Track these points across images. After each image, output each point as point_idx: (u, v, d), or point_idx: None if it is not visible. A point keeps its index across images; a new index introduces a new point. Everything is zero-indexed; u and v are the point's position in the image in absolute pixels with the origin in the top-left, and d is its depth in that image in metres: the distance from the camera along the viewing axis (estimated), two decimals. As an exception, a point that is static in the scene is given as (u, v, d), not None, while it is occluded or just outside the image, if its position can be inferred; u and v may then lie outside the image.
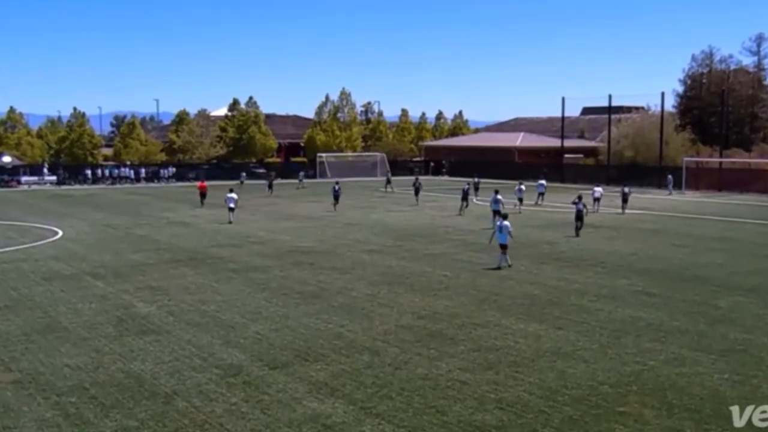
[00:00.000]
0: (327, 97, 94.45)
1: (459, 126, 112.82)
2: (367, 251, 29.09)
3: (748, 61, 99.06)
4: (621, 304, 19.88)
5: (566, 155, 79.26)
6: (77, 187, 70.15)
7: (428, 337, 16.58)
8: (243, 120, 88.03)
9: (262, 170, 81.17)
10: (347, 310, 19.18)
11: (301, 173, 72.00)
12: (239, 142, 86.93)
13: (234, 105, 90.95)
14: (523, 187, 47.82)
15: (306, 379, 13.71)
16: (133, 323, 17.85)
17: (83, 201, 53.78)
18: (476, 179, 58.77)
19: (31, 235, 34.06)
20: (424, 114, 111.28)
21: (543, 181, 50.90)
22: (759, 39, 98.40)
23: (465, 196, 45.04)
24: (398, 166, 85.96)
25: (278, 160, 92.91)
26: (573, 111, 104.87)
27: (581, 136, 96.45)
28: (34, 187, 68.40)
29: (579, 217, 33.98)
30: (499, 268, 25.13)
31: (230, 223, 38.23)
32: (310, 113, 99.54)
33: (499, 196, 37.72)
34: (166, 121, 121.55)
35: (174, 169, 77.65)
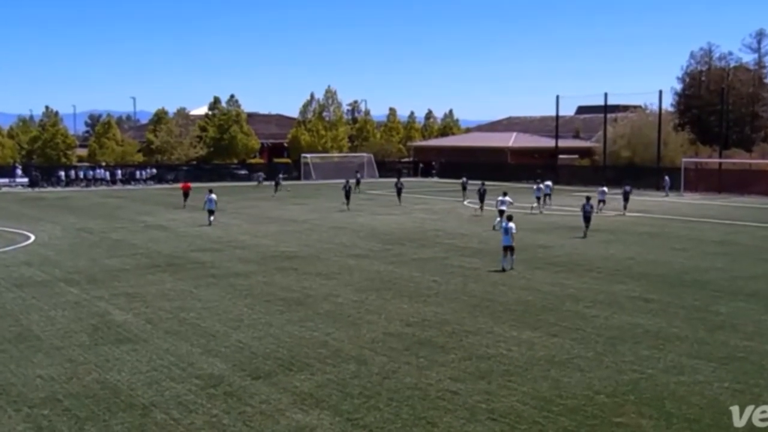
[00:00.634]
0: (312, 96, 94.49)
1: (449, 125, 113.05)
2: (354, 256, 29.07)
3: (748, 58, 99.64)
4: (618, 310, 19.93)
5: (561, 156, 79.51)
6: (50, 189, 69.87)
7: (417, 345, 16.57)
8: (224, 119, 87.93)
9: (243, 171, 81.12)
10: (333, 317, 19.16)
11: (278, 175, 71.25)
12: (220, 143, 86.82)
13: (214, 103, 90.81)
14: (542, 186, 48.52)
15: (290, 390, 13.68)
16: (108, 331, 17.76)
17: (56, 204, 53.55)
18: (464, 179, 59.27)
19: (2, 240, 33.88)
20: (412, 113, 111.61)
21: (549, 182, 50.50)
22: (759, 35, 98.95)
23: (482, 197, 45.97)
24: (386, 167, 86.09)
25: (261, 160, 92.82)
26: (568, 110, 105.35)
27: (576, 136, 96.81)
28: (5, 189, 68.08)
29: (587, 218, 35.05)
30: (503, 270, 25.52)
31: (209, 225, 38.44)
32: (294, 112, 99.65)
33: (507, 198, 38.46)
34: (144, 121, 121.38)
35: (155, 171, 77.46)
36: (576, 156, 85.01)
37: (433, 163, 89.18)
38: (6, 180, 70.98)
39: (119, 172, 76.39)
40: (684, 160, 67.48)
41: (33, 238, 34.28)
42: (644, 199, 53.07)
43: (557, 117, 78.95)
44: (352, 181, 56.36)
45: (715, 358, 15.52)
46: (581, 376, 14.44)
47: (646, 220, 42.27)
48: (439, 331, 17.70)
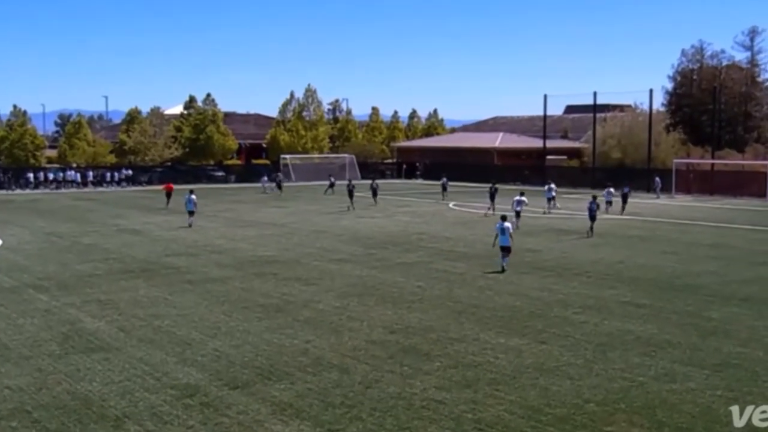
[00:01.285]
0: (291, 95, 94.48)
1: (434, 125, 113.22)
2: (335, 260, 29.05)
3: (740, 56, 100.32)
4: (608, 316, 20.01)
5: (549, 157, 79.79)
6: (18, 191, 69.45)
7: (401, 352, 16.57)
8: (200, 119, 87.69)
9: (220, 173, 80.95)
10: (313, 324, 19.13)
11: (277, 175, 71.19)
12: (196, 143, 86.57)
13: (190, 102, 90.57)
14: (553, 185, 49.66)
15: (269, 400, 13.64)
16: (79, 340, 17.66)
17: (25, 207, 53.23)
18: (444, 180, 60.03)
19: (-32, 244, 33.63)
20: (396, 113, 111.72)
21: (552, 185, 50.85)
22: (752, 33, 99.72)
23: (492, 197, 47.50)
24: (369, 169, 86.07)
25: (238, 162, 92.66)
26: (556, 109, 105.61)
27: (564, 137, 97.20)
28: (-30, 191, 67.59)
29: (593, 217, 36.40)
30: (502, 270, 26.27)
31: (189, 226, 38.94)
32: (273, 112, 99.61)
33: (523, 198, 39.61)
34: (116, 120, 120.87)
35: (130, 172, 77.12)
36: (564, 157, 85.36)
37: (418, 164, 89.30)
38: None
39: (91, 173, 75.98)
40: (675, 161, 67.89)
41: (0, 242, 34.04)
42: (635, 202, 53.27)
43: (545, 117, 79.20)
44: (355, 181, 57.20)
45: (708, 365, 15.60)
46: (570, 384, 14.48)
47: (636, 222, 42.47)
48: (423, 339, 17.70)
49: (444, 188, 59.21)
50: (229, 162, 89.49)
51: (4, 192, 68.50)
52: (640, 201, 55.62)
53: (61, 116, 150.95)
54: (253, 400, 13.64)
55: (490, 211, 45.15)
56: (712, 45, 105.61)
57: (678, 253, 31.05)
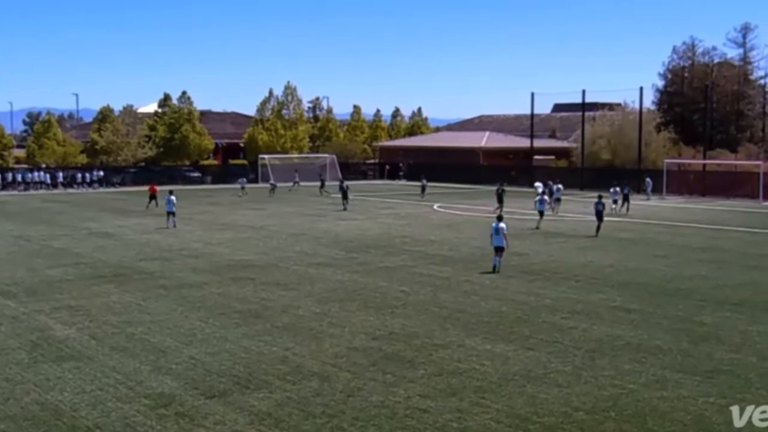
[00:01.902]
0: (270, 92, 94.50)
1: (417, 124, 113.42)
2: (315, 265, 29.04)
3: (733, 53, 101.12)
4: (597, 321, 20.08)
5: (536, 157, 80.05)
6: (-15, 193, 68.98)
7: (384, 360, 16.58)
8: (175, 117, 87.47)
9: (196, 174, 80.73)
10: (293, 330, 19.11)
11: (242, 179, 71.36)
12: (171, 143, 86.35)
13: (165, 100, 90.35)
14: (560, 186, 50.59)
15: (247, 409, 13.62)
16: (49, 348, 17.57)
17: (-8, 209, 52.87)
18: (424, 181, 60.56)
19: (-68, 248, 33.39)
20: (378, 111, 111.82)
21: (560, 185, 51.49)
22: (744, 29, 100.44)
23: (500, 198, 48.39)
24: (350, 169, 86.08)
25: (215, 162, 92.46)
26: (543, 108, 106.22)
27: (552, 136, 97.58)
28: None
29: (600, 216, 37.41)
30: (494, 270, 26.85)
31: (167, 228, 39.59)
32: (251, 110, 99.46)
33: (546, 197, 41.42)
34: (87, 119, 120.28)
35: (102, 173, 76.77)
36: (552, 157, 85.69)
37: (401, 164, 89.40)
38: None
39: (60, 174, 75.63)
40: (666, 161, 68.22)
41: (-34, 246, 33.82)
42: (610, 204, 53.47)
43: (532, 115, 79.44)
44: (347, 182, 57.74)
45: (700, 372, 15.69)
46: (559, 391, 14.53)
47: (626, 225, 42.66)
48: (407, 345, 17.72)
49: (423, 189, 59.98)
50: (206, 162, 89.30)
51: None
52: (630, 202, 55.59)
53: (29, 114, 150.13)
54: (231, 409, 13.61)
55: (499, 212, 45.35)
56: (704, 42, 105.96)
57: (669, 256, 31.21)
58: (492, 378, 15.32)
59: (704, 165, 69.00)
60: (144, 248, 33.22)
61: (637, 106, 75.75)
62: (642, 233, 38.89)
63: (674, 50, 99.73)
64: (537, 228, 39.81)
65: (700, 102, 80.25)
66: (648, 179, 62.88)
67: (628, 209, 49.32)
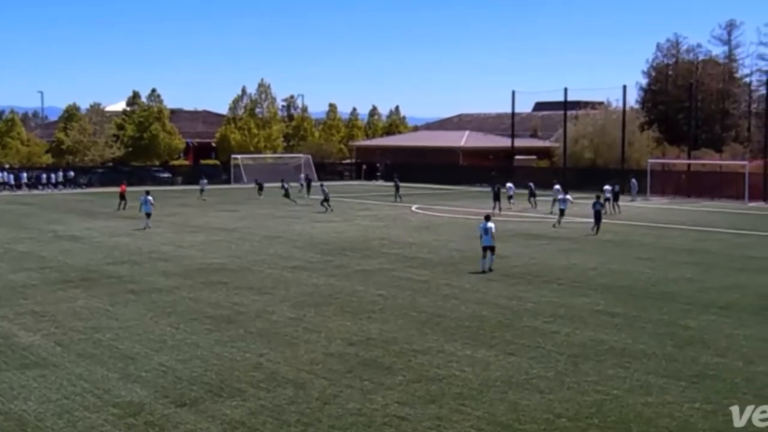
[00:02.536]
0: (243, 90, 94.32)
1: (395, 123, 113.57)
2: (290, 268, 28.99)
3: (717, 51, 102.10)
4: (580, 325, 20.16)
5: (517, 157, 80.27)
6: (-55, 195, 68.39)
7: (361, 366, 16.57)
8: (144, 116, 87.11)
9: (166, 174, 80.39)
10: (267, 336, 19.06)
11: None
12: (140, 142, 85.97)
13: (133, 99, 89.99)
14: (558, 186, 51.93)
15: (219, 418, 13.57)
16: (13, 355, 17.43)
17: (-47, 211, 52.43)
18: (396, 180, 60.74)
19: None
20: (355, 110, 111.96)
21: (558, 187, 52.38)
22: (729, 26, 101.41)
23: (497, 197, 50.57)
24: (326, 170, 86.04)
25: (186, 162, 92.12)
26: (524, 107, 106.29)
27: (534, 135, 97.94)
28: None
29: (598, 217, 39.13)
30: (482, 271, 27.39)
31: (144, 228, 40.09)
32: (223, 108, 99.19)
33: (568, 196, 44.45)
34: (53, 118, 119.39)
35: (72, 173, 76.27)
36: (534, 157, 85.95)
37: (378, 164, 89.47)
38: None
39: (24, 175, 75.07)
40: (650, 161, 68.62)
41: (-74, 250, 33.53)
42: (608, 204, 53.73)
43: (513, 114, 79.67)
44: (326, 185, 57.93)
45: (685, 377, 15.78)
46: (541, 398, 14.57)
47: (609, 226, 42.79)
48: (385, 351, 17.71)
49: (397, 189, 60.12)
50: (176, 162, 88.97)
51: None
52: (618, 201, 55.85)
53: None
54: (202, 418, 13.56)
55: (497, 212, 46.34)
56: (688, 39, 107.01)
57: (653, 258, 31.39)
58: (472, 384, 15.34)
59: (689, 165, 69.42)
60: (112, 251, 33.04)
61: (620, 104, 76.15)
62: (626, 235, 39.08)
63: (658, 47, 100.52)
64: (558, 225, 41.94)
65: (684, 100, 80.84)
66: (634, 180, 63.21)
67: (619, 209, 50.55)
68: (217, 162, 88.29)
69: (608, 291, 24.59)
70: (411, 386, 15.22)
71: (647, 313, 21.44)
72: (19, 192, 71.50)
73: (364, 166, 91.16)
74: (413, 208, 53.66)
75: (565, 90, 74.36)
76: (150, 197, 41.92)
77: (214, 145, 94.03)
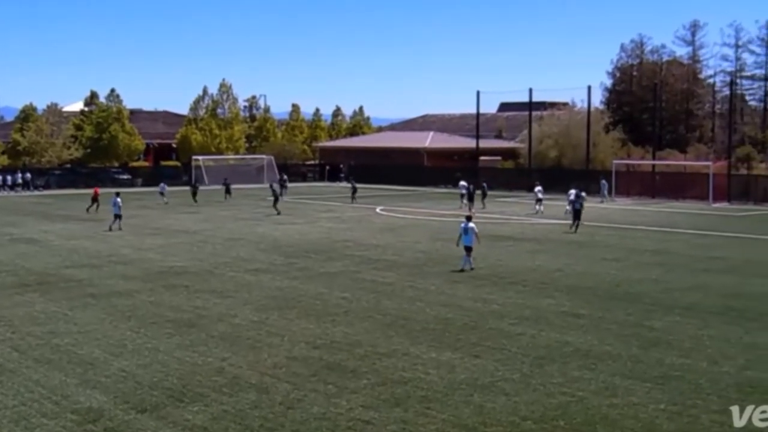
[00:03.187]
0: (204, 90, 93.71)
1: (359, 124, 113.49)
2: (253, 271, 28.90)
3: (682, 51, 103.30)
4: (545, 327, 20.28)
5: (482, 158, 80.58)
6: None
7: (325, 370, 16.56)
8: (103, 116, 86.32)
9: (125, 177, 79.76)
10: (229, 340, 19.00)
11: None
12: (98, 143, 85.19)
13: (92, 99, 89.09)
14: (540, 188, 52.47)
15: (181, 424, 13.50)
16: (-32, 361, 17.23)
17: None
18: (352, 181, 60.86)
19: None
20: (318, 110, 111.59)
21: (540, 188, 53.07)
22: (693, 27, 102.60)
23: (471, 197, 51.71)
24: (289, 171, 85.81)
25: (146, 163, 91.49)
26: (489, 107, 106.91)
27: (499, 136, 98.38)
28: None
29: (577, 215, 40.68)
30: (462, 270, 27.91)
31: (110, 230, 40.35)
32: (184, 109, 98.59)
33: (583, 193, 45.54)
34: (9, 118, 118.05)
35: (29, 175, 75.32)
36: (499, 158, 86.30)
37: (341, 165, 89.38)
38: None
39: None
40: (615, 162, 69.14)
41: None
42: (549, 204, 54.12)
43: (478, 115, 79.97)
44: (276, 185, 57.85)
45: (650, 378, 15.93)
46: (506, 400, 14.64)
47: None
48: (349, 354, 17.72)
49: (354, 191, 60.16)
50: (136, 164, 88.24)
51: None
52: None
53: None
54: (164, 424, 13.48)
55: (472, 212, 46.42)
56: (653, 40, 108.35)
57: (618, 259, 31.66)
58: (438, 387, 15.39)
59: (653, 166, 70.05)
60: (71, 255, 32.75)
61: (585, 105, 76.69)
62: (591, 236, 39.36)
63: (622, 48, 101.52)
64: (575, 226, 41.77)
65: (648, 101, 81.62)
66: (603, 181, 63.20)
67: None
68: (177, 163, 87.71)
69: (573, 292, 24.77)
70: (376, 390, 15.23)
71: (612, 314, 21.62)
72: (-26, 194, 70.55)
73: (328, 168, 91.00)
74: (377, 210, 53.69)
75: (530, 90, 74.77)
76: (119, 199, 42.09)
77: (174, 146, 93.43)
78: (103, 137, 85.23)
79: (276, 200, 52.55)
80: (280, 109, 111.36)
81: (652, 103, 77.46)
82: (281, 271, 28.76)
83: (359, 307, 22.62)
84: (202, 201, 60.63)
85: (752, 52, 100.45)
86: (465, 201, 53.49)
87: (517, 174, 78.60)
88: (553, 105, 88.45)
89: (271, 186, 59.20)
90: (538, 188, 52.89)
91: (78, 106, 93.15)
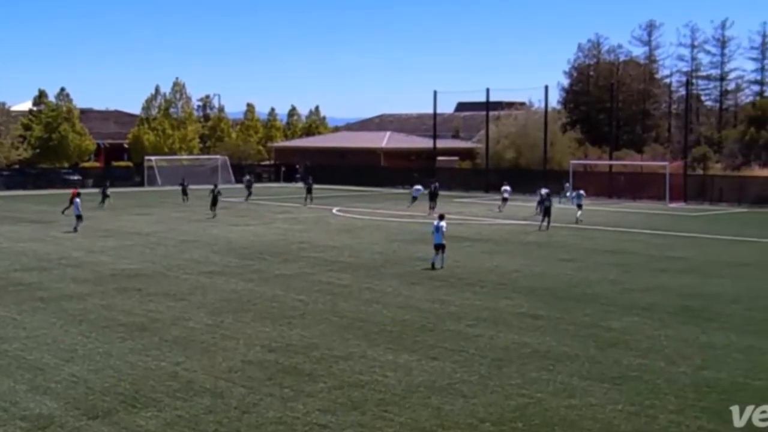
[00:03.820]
0: (157, 89, 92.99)
1: (315, 124, 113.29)
2: (207, 273, 28.74)
3: (638, 51, 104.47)
4: (503, 328, 20.39)
5: (439, 158, 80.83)
6: None
7: (281, 373, 16.51)
8: (52, 116, 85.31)
9: (76, 178, 78.91)
10: (183, 344, 18.87)
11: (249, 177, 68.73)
12: (48, 143, 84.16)
13: (41, 98, 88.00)
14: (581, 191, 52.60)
15: (133, 430, 13.39)
16: None
17: None
18: (310, 182, 60.75)
19: None
20: (273, 110, 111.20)
21: (508, 188, 55.95)
22: (650, 27, 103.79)
23: (432, 196, 52.45)
24: (244, 172, 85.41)
25: (97, 164, 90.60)
26: (446, 107, 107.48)
27: (456, 136, 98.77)
28: None
29: (547, 212, 42.40)
30: (432, 267, 28.84)
31: (74, 230, 40.64)
32: (136, 108, 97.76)
33: (582, 191, 48.65)
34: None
35: None
36: (456, 158, 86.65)
37: (297, 166, 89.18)
38: None
39: None
40: (572, 162, 69.67)
41: None
42: (531, 206, 54.49)
43: (435, 115, 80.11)
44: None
45: (608, 378, 16.08)
46: (464, 402, 14.69)
47: (532, 228, 43.42)
48: (305, 357, 17.68)
49: (309, 191, 59.92)
50: (87, 164, 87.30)
51: None
52: (519, 205, 56.48)
53: None
54: (116, 430, 13.37)
55: (431, 212, 47.21)
56: (609, 39, 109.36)
57: (576, 260, 31.92)
58: (395, 390, 15.40)
59: (610, 166, 70.71)
60: (20, 258, 32.33)
61: (542, 105, 77.20)
62: (548, 236, 39.65)
63: (579, 48, 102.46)
64: (579, 221, 45.38)
65: (605, 101, 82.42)
66: (567, 184, 62.90)
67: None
68: (129, 164, 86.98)
69: (531, 293, 24.93)
70: (332, 393, 15.21)
71: (570, 315, 21.79)
72: None
73: (284, 168, 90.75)
74: (334, 211, 53.64)
75: (487, 90, 75.26)
76: (78, 200, 42.52)
77: (126, 146, 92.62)
78: (53, 137, 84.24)
79: (249, 195, 59.03)
80: (234, 108, 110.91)
81: (609, 103, 78.18)
82: (236, 274, 28.63)
83: (315, 310, 22.59)
84: (155, 202, 60.21)
85: (708, 52, 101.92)
86: (411, 204, 54.79)
87: (475, 174, 79.00)
88: (510, 105, 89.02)
89: (246, 182, 63.05)
90: (505, 188, 54.70)
91: (26, 105, 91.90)
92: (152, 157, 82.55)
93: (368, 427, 13.49)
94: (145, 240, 38.15)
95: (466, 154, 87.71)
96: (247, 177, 67.39)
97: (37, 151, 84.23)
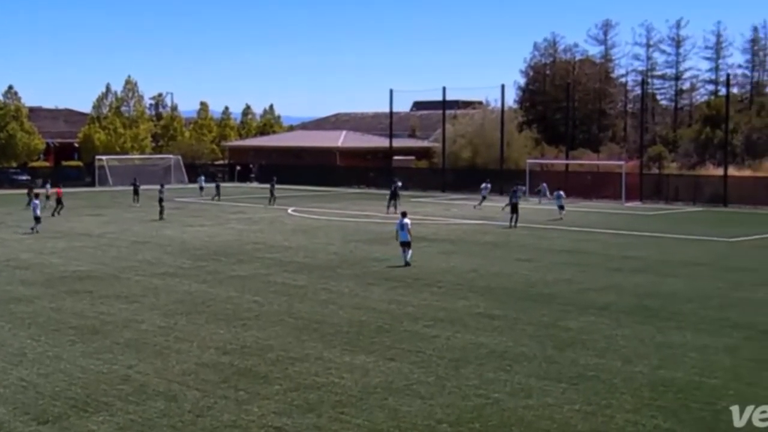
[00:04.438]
0: (108, 88, 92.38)
1: (270, 123, 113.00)
2: (160, 275, 28.54)
3: (594, 50, 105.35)
4: (460, 328, 20.46)
5: (396, 157, 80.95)
6: None
7: (236, 376, 16.44)
8: (0, 115, 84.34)
9: (25, 178, 77.96)
10: (135, 347, 18.73)
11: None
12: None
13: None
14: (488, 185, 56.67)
15: (85, 435, 13.27)
16: None
17: None
18: (273, 183, 60.71)
19: None
20: (227, 109, 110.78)
21: (488, 185, 58.67)
22: (605, 26, 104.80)
23: (394, 195, 53.13)
24: (197, 171, 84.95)
25: (46, 163, 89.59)
26: (403, 106, 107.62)
27: (412, 135, 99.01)
28: None
29: (515, 209, 43.25)
30: (406, 264, 29.60)
31: (36, 232, 40.33)
32: (86, 107, 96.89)
33: (562, 192, 50.03)
34: None
35: None
36: (412, 157, 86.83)
37: (252, 165, 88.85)
38: None
39: None
40: (529, 161, 70.16)
41: None
42: (490, 205, 54.79)
43: (391, 114, 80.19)
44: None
45: (565, 378, 16.20)
46: (422, 403, 14.73)
47: (489, 228, 43.65)
48: (261, 359, 17.63)
49: (271, 192, 59.75)
50: (36, 164, 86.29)
51: None
52: (494, 204, 56.72)
53: None
54: (66, 435, 13.22)
55: (391, 211, 47.45)
56: (565, 38, 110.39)
57: (533, 260, 32.13)
58: (352, 391, 15.40)
59: (567, 165, 71.28)
60: (-34, 260, 31.90)
61: (499, 104, 77.64)
62: (505, 236, 39.88)
63: (536, 47, 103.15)
64: (561, 219, 47.32)
65: (562, 100, 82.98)
66: (544, 185, 62.39)
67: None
68: (80, 163, 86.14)
69: (488, 293, 25.05)
70: (288, 395, 15.18)
71: (527, 315, 21.93)
72: None
73: (238, 168, 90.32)
74: (289, 211, 53.53)
75: (444, 89, 75.38)
76: (37, 201, 43.00)
77: (77, 145, 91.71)
78: (1, 136, 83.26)
79: (218, 195, 61.86)
80: (187, 107, 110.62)
81: (565, 103, 78.79)
82: (190, 275, 28.47)
83: (271, 311, 22.53)
84: (107, 203, 59.67)
85: (663, 52, 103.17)
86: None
87: (431, 174, 79.23)
88: (467, 104, 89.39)
89: (216, 183, 64.89)
90: (484, 185, 57.27)
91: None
92: (103, 157, 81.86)
93: (325, 429, 13.48)
94: (97, 241, 37.81)
95: (423, 153, 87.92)
96: (219, 176, 68.74)
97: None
